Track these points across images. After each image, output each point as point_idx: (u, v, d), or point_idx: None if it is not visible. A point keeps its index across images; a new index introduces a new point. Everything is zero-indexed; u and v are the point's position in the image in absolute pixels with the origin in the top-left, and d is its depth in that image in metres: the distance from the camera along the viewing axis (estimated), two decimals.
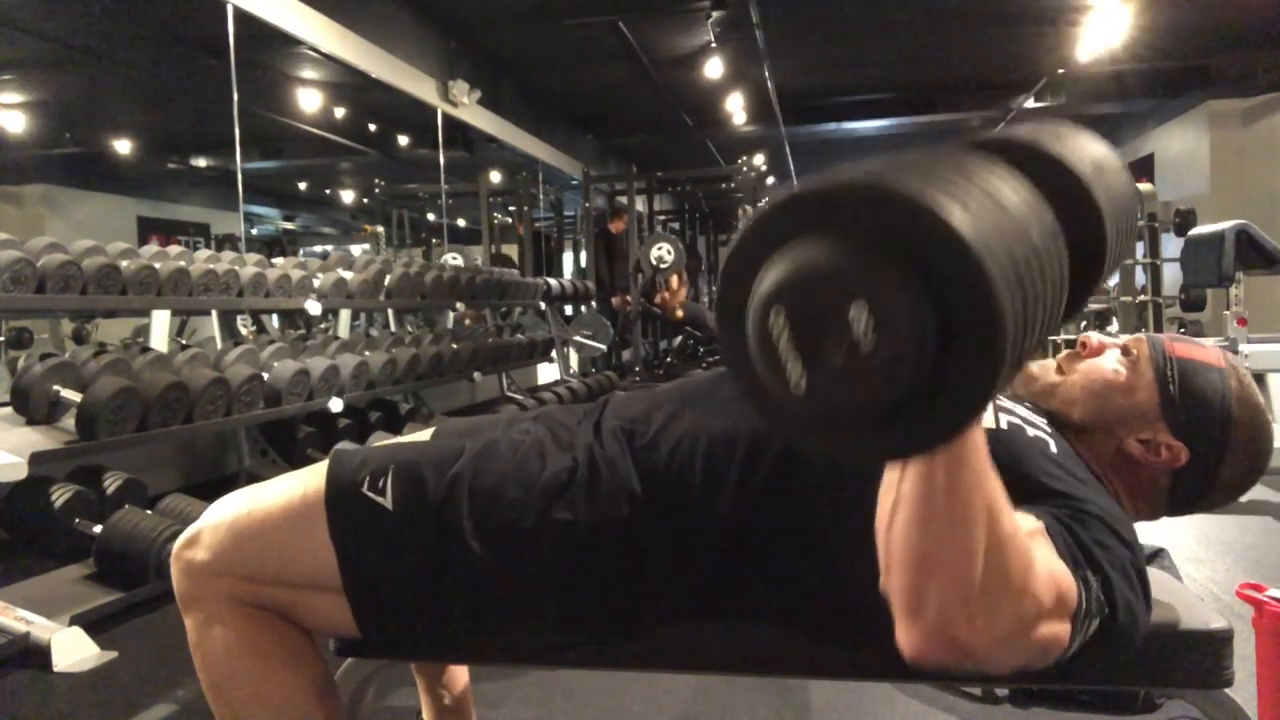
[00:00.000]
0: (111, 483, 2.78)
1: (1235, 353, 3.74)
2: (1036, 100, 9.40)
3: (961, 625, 0.60)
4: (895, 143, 11.93)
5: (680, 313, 8.45)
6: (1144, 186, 6.78)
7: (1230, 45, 8.22)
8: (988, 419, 0.90)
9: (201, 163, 10.48)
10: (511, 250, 9.25)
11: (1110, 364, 1.02)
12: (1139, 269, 6.67)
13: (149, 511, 2.63)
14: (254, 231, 13.37)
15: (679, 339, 9.43)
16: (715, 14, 6.60)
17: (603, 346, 7.11)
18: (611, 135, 11.49)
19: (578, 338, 6.94)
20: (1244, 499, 1.01)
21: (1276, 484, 3.50)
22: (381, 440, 3.27)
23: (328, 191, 13.58)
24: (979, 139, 0.62)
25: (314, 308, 3.79)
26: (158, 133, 9.95)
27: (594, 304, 7.39)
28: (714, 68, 7.50)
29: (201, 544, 0.98)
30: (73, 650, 2.13)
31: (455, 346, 4.41)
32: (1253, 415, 0.98)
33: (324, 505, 0.97)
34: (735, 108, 8.80)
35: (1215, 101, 9.18)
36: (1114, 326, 5.86)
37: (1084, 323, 6.54)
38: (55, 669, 2.08)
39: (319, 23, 5.31)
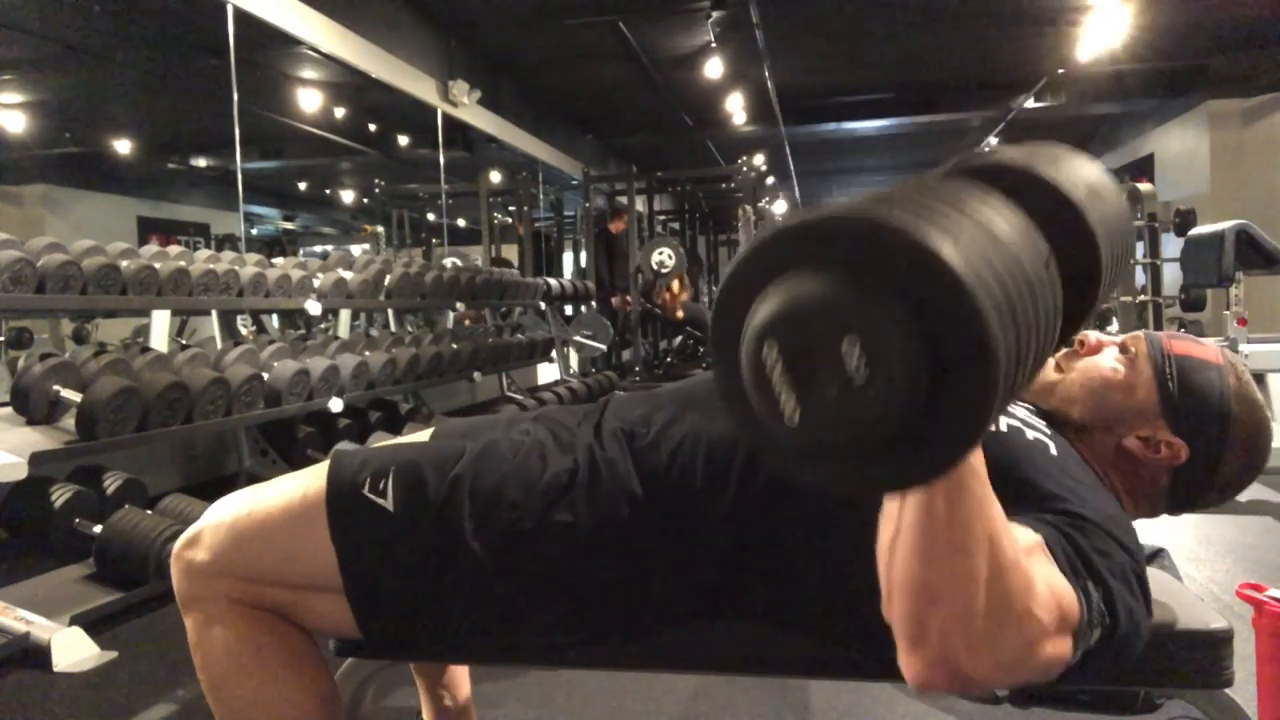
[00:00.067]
0: (111, 483, 2.78)
1: (1235, 352, 3.74)
2: (1036, 100, 9.40)
3: (964, 653, 0.60)
4: (895, 143, 11.94)
5: (680, 313, 8.45)
6: (1144, 186, 6.77)
7: (1230, 45, 8.22)
8: None
9: (201, 163, 10.48)
10: (511, 250, 9.25)
11: (1109, 362, 1.02)
12: (1139, 269, 6.67)
13: (149, 511, 2.62)
14: (254, 231, 13.37)
15: (679, 339, 9.43)
16: (715, 14, 6.60)
17: (603, 346, 7.11)
18: (611, 135, 11.49)
19: (578, 338, 6.94)
20: (1244, 499, 1.01)
21: (1276, 484, 3.50)
22: (381, 440, 3.27)
23: (328, 191, 13.58)
24: (972, 163, 0.62)
25: (314, 308, 3.79)
26: (158, 133, 9.95)
27: (594, 304, 7.39)
28: (714, 68, 7.50)
29: (202, 544, 0.98)
30: (73, 650, 2.13)
31: (455, 346, 4.41)
32: (1251, 412, 0.98)
33: (325, 506, 0.97)
34: (735, 108, 8.80)
35: (1215, 101, 9.17)
36: (1114, 326, 5.85)
37: None
38: (55, 669, 2.08)
39: (319, 23, 5.31)
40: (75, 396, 2.51)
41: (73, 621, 2.21)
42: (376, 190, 9.01)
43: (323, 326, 5.64)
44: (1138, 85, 9.14)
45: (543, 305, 6.30)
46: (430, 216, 10.56)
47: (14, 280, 2.50)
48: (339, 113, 8.47)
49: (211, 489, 3.01)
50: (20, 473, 2.26)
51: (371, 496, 0.97)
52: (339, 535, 0.96)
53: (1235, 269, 4.17)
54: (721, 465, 0.94)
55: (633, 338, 7.81)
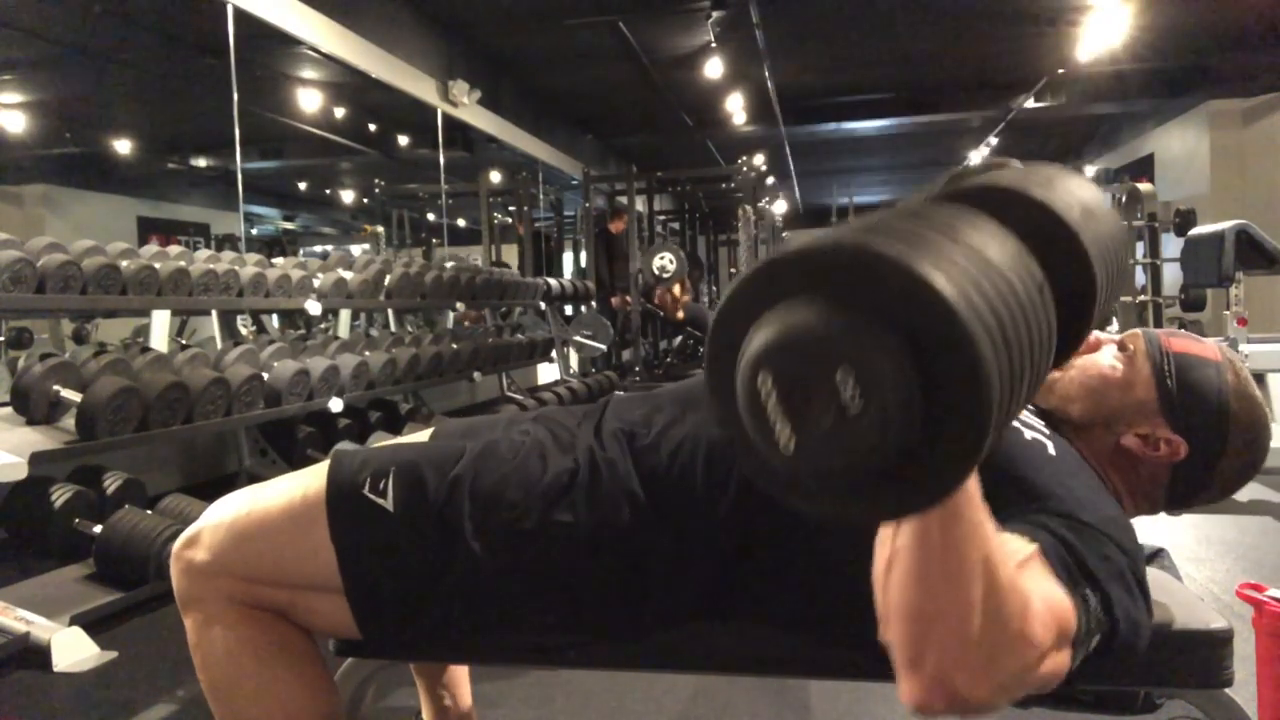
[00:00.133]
0: (111, 483, 2.78)
1: (1235, 352, 3.74)
2: (1036, 100, 9.40)
3: (961, 677, 0.60)
4: (895, 143, 11.94)
5: (681, 314, 8.45)
6: (1144, 186, 6.78)
7: (1230, 45, 8.22)
8: None
9: (201, 163, 10.48)
10: (511, 250, 9.25)
11: (1107, 359, 1.02)
12: (1139, 269, 6.67)
13: (149, 511, 2.63)
14: (254, 231, 13.37)
15: (679, 339, 9.43)
16: (715, 14, 6.60)
17: (603, 346, 7.11)
18: (611, 135, 11.49)
19: (578, 338, 6.94)
20: (1244, 499, 1.02)
21: (1276, 484, 3.50)
22: (381, 440, 3.27)
23: (328, 191, 13.58)
24: (965, 185, 0.62)
25: (314, 308, 3.79)
26: (158, 133, 9.95)
27: (594, 304, 7.39)
28: (714, 68, 7.50)
29: (201, 544, 0.98)
30: (73, 650, 2.13)
31: (455, 346, 4.41)
32: (1250, 409, 0.97)
33: (325, 506, 0.97)
34: (735, 108, 8.80)
35: (1215, 101, 9.18)
36: (1114, 326, 5.86)
37: None
38: (55, 669, 2.08)
39: (319, 23, 5.31)
40: (75, 396, 2.51)
41: (73, 621, 2.21)
42: (376, 190, 9.00)
43: (323, 326, 5.64)
44: (1138, 85, 9.14)
45: (543, 305, 6.30)
46: (430, 216, 10.56)
47: (14, 280, 2.50)
48: (339, 113, 8.47)
49: (211, 489, 3.01)
50: (20, 473, 2.26)
51: (371, 496, 0.97)
52: (339, 535, 0.96)
53: (1235, 269, 4.17)
54: (721, 466, 0.94)
55: (632, 337, 7.81)
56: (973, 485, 0.58)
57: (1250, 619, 1.22)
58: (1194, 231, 4.70)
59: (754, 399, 0.47)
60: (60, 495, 2.55)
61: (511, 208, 9.43)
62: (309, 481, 1.00)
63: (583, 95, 9.55)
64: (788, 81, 8.70)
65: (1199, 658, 0.91)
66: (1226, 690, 0.91)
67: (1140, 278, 6.71)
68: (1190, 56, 8.58)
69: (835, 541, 0.88)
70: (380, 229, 10.08)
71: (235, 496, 1.03)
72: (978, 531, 0.59)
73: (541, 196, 9.76)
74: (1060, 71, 8.61)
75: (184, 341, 5.66)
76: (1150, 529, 1.10)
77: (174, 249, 3.51)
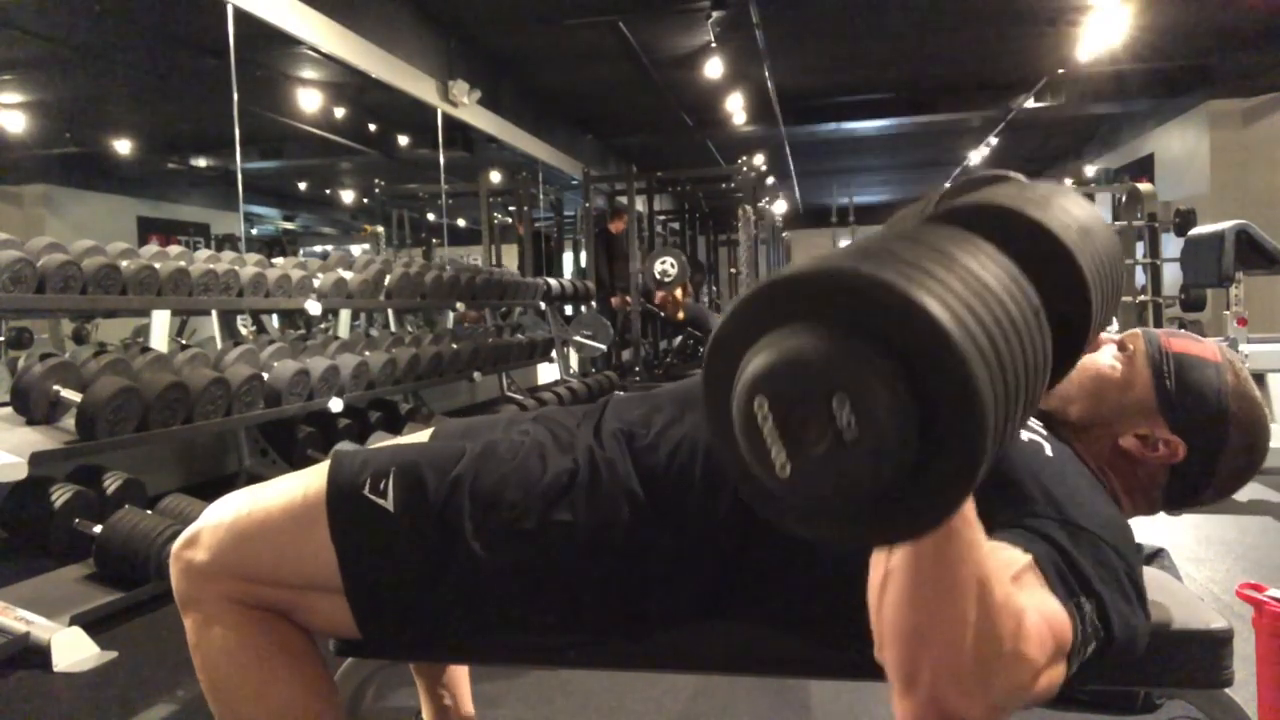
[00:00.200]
0: (111, 483, 2.78)
1: (1235, 352, 3.74)
2: (1036, 100, 9.40)
3: (955, 696, 0.60)
4: (895, 143, 11.94)
5: (681, 314, 8.45)
6: (1144, 186, 6.79)
7: (1230, 45, 8.22)
8: None
9: (201, 163, 10.49)
10: (511, 250, 9.25)
11: (1106, 359, 1.02)
12: (1139, 269, 6.67)
13: (149, 511, 2.63)
14: (254, 231, 13.37)
15: (679, 339, 9.43)
16: (715, 14, 6.60)
17: (603, 346, 7.11)
18: (611, 135, 11.49)
19: (578, 338, 6.94)
20: (1244, 499, 1.02)
21: (1276, 484, 3.50)
22: (381, 440, 3.27)
23: (328, 191, 13.58)
24: (963, 204, 0.62)
25: (314, 308, 3.79)
26: (158, 133, 9.95)
27: (594, 304, 7.39)
28: (714, 68, 7.50)
29: (201, 544, 0.98)
30: (73, 650, 2.13)
31: (455, 346, 4.41)
32: (1249, 409, 0.97)
33: (325, 506, 0.97)
34: (735, 108, 8.80)
35: (1215, 101, 9.18)
36: (1114, 326, 5.86)
37: None
38: (55, 669, 2.08)
39: (319, 23, 5.31)
40: (75, 396, 2.51)
41: (73, 621, 2.21)
42: (376, 190, 9.00)
43: (323, 326, 5.64)
44: (1138, 85, 9.14)
45: (543, 305, 6.30)
46: (430, 216, 10.56)
47: (14, 280, 2.50)
48: (339, 113, 8.47)
49: (211, 489, 3.01)
50: (20, 473, 2.26)
51: (372, 497, 0.97)
52: (339, 535, 0.96)
53: (1235, 269, 4.17)
54: (720, 468, 0.94)
55: (632, 337, 7.82)
56: (969, 509, 0.58)
57: (1250, 619, 1.22)
58: (1194, 231, 4.70)
59: (750, 422, 0.47)
60: (60, 495, 2.55)
61: (511, 208, 9.43)
62: (309, 482, 1.00)
63: (583, 95, 9.55)
64: (788, 81, 8.70)
65: (1199, 658, 0.91)
66: (1226, 690, 0.91)
67: (1140, 278, 6.71)
68: (1190, 56, 8.58)
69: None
70: (380, 229, 10.08)
71: (235, 496, 1.03)
72: (972, 551, 0.59)
73: (541, 196, 9.76)
74: (1060, 71, 8.61)
75: (184, 341, 5.66)
76: (1150, 529, 1.10)
77: (174, 249, 3.51)
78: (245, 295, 3.37)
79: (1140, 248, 6.65)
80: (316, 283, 3.77)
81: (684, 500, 0.95)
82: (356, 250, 10.43)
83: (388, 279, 4.27)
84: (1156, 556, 1.13)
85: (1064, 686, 0.69)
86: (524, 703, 1.90)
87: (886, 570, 0.61)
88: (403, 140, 9.29)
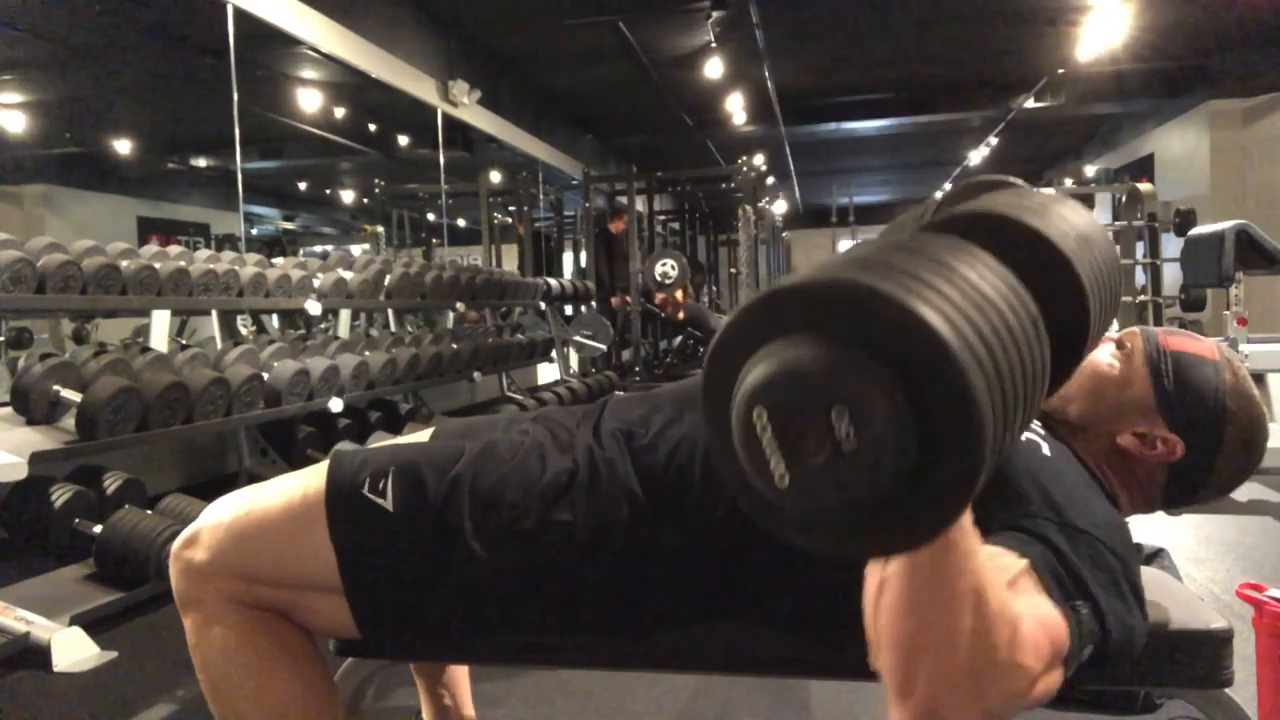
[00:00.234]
0: (111, 483, 2.78)
1: (1235, 352, 3.74)
2: (1036, 100, 9.40)
3: (950, 705, 0.60)
4: (895, 143, 11.93)
5: (681, 314, 8.45)
6: (1144, 186, 6.79)
7: (1230, 45, 8.22)
8: None
9: (201, 163, 10.48)
10: (511, 250, 9.25)
11: (1104, 357, 1.02)
12: (1139, 269, 6.67)
13: (149, 511, 2.62)
14: (254, 231, 13.36)
15: (679, 339, 9.43)
16: (715, 14, 6.60)
17: (603, 346, 7.11)
18: (611, 135, 11.49)
19: (578, 338, 6.94)
20: (1244, 499, 1.02)
21: (1276, 484, 3.49)
22: (381, 440, 3.27)
23: (328, 191, 13.58)
24: (963, 212, 0.62)
25: (314, 308, 3.79)
26: (158, 133, 9.95)
27: (594, 304, 7.39)
28: (714, 68, 7.50)
29: (200, 544, 0.98)
30: (73, 650, 2.13)
31: (455, 346, 4.41)
32: (1248, 407, 0.97)
33: (324, 506, 0.97)
34: (735, 108, 8.80)
35: (1215, 101, 9.17)
36: (1113, 326, 5.86)
37: None
38: (55, 669, 2.08)
39: (319, 23, 5.31)
40: (75, 396, 2.51)
41: (73, 621, 2.21)
42: (376, 190, 9.00)
43: (323, 326, 5.64)
44: (1138, 85, 9.14)
45: (543, 305, 6.30)
46: (430, 216, 10.55)
47: (14, 280, 2.50)
48: (339, 113, 8.47)
49: (211, 489, 3.00)
50: (20, 473, 2.26)
51: (371, 496, 0.97)
52: (338, 535, 0.96)
53: (1235, 269, 4.17)
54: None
55: (632, 337, 7.81)
56: (965, 519, 0.58)
57: (1250, 619, 1.22)
58: (1194, 231, 4.70)
59: (749, 433, 0.47)
60: (60, 495, 2.55)
61: (511, 208, 9.42)
62: (309, 481, 1.00)
63: (583, 95, 9.55)
64: (788, 81, 8.70)
65: (1199, 658, 0.91)
66: (1226, 690, 0.91)
67: (1140, 278, 6.71)
68: (1190, 56, 8.57)
69: None
70: (380, 229, 10.08)
71: (234, 496, 1.03)
72: (969, 560, 0.59)
73: (541, 196, 9.76)
74: (1060, 71, 8.61)
75: (184, 341, 5.66)
76: (1150, 529, 1.10)
77: (174, 249, 3.51)
78: (245, 295, 3.36)
79: (1140, 248, 6.65)
80: (316, 283, 3.77)
81: (683, 500, 0.95)
82: (356, 250, 10.44)
83: (388, 279, 4.27)
84: (1156, 556, 1.13)
85: (1062, 688, 0.69)
86: (524, 703, 1.90)
87: (883, 578, 0.61)
88: (403, 140, 9.29)
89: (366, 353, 3.72)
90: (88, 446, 2.46)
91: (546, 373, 6.55)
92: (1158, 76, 9.03)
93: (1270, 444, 1.00)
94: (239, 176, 5.58)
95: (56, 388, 2.57)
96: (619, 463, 0.98)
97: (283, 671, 0.98)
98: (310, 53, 5.71)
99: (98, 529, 2.49)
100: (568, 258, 10.62)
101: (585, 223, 8.50)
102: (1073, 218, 0.65)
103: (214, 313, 3.58)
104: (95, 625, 2.27)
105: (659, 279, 7.65)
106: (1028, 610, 0.66)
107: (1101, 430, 0.99)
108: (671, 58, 7.94)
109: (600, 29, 7.02)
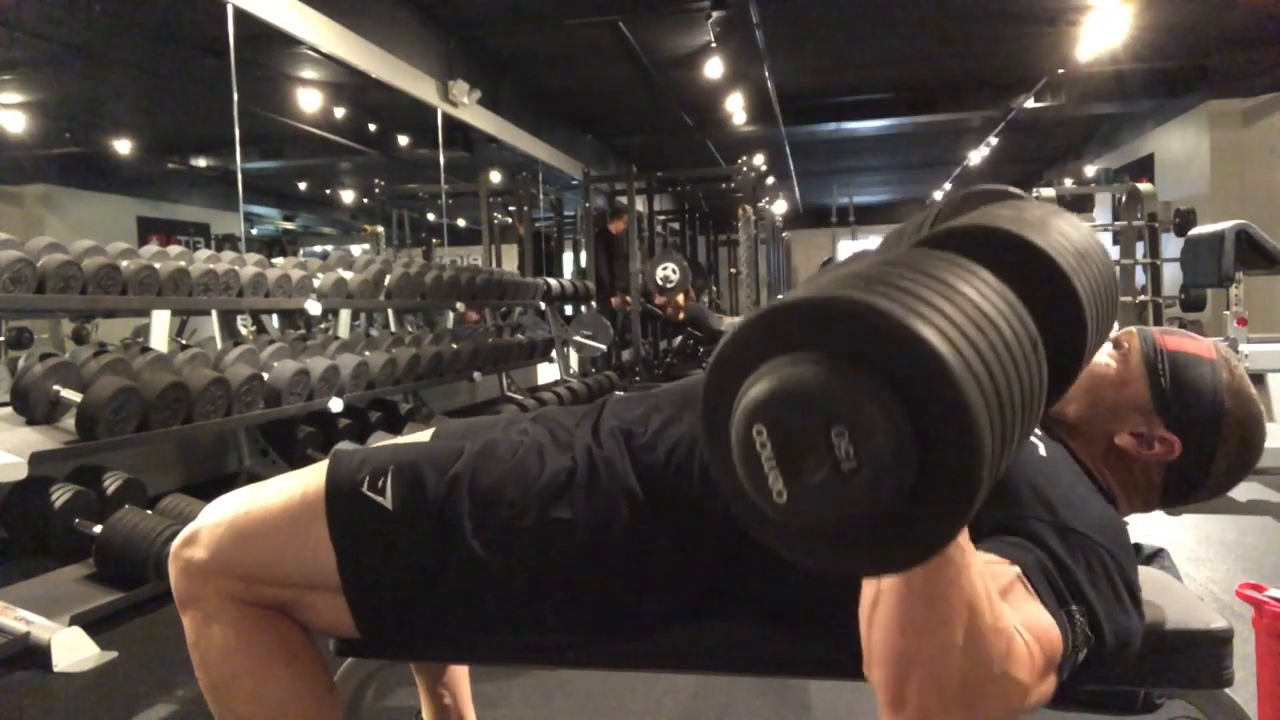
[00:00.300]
0: (111, 483, 2.78)
1: (1235, 352, 3.74)
2: (1036, 100, 9.40)
3: (942, 717, 0.60)
4: (895, 143, 11.93)
5: (681, 314, 8.45)
6: (1144, 186, 6.78)
7: (1230, 45, 8.22)
8: None
9: (201, 163, 10.49)
10: (511, 250, 9.25)
11: (1101, 357, 1.02)
12: (1139, 269, 6.67)
13: (149, 511, 2.62)
14: (254, 231, 13.37)
15: (679, 339, 9.43)
16: (715, 14, 6.60)
17: (603, 346, 7.11)
18: (611, 135, 11.49)
19: (578, 338, 6.94)
20: (1244, 499, 1.02)
21: (1276, 484, 3.50)
22: (381, 440, 3.27)
23: (328, 191, 13.58)
24: (962, 225, 0.63)
25: (314, 308, 3.79)
26: (158, 133, 9.95)
27: (594, 304, 7.39)
28: (714, 68, 7.50)
29: (200, 543, 0.98)
30: (73, 650, 2.13)
31: (455, 346, 4.41)
32: (1245, 406, 0.97)
33: (324, 505, 0.97)
34: (735, 108, 8.80)
35: (1215, 101, 9.17)
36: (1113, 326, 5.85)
37: None
38: (55, 669, 2.08)
39: (319, 23, 5.31)
40: (75, 396, 2.51)
41: (73, 621, 2.21)
42: (376, 190, 9.00)
43: (323, 326, 5.64)
44: (1138, 85, 9.14)
45: (543, 305, 6.30)
46: (430, 216, 10.56)
47: (14, 280, 2.50)
48: (339, 113, 8.47)
49: (211, 489, 3.00)
50: (20, 473, 2.26)
51: (371, 495, 0.97)
52: (338, 534, 0.96)
53: (1235, 269, 4.17)
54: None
55: (632, 337, 7.81)
56: (961, 535, 0.58)
57: (1250, 619, 1.22)
58: (1194, 231, 4.70)
59: (749, 449, 0.47)
60: (60, 495, 2.55)
61: (511, 208, 9.43)
62: (308, 480, 1.00)
63: (583, 95, 9.55)
64: (788, 81, 8.70)
65: (1199, 658, 0.91)
66: (1226, 690, 0.91)
67: (1140, 278, 6.71)
68: (1190, 56, 8.58)
69: None
70: (380, 229, 10.08)
71: (234, 495, 1.03)
72: (963, 575, 0.59)
73: (541, 196, 9.76)
74: (1060, 71, 8.61)
75: (184, 341, 5.66)
76: (1150, 529, 1.10)
77: (174, 249, 3.51)
78: (245, 295, 3.37)
79: (1140, 248, 6.65)
80: (316, 283, 3.77)
81: (682, 499, 0.95)
82: (356, 250, 10.43)
83: (388, 279, 4.27)
84: (1156, 556, 1.13)
85: (1061, 689, 0.69)
86: (524, 703, 1.90)
87: (878, 590, 0.61)
88: (403, 140, 9.29)
89: (366, 353, 3.72)
90: (88, 446, 2.46)
91: (546, 373, 6.55)
92: (1157, 76, 9.03)
93: (1269, 444, 1.00)
94: (239, 176, 5.58)
95: (56, 388, 2.57)
96: (618, 461, 0.98)
97: (282, 670, 0.98)
98: (310, 53, 5.71)
99: (98, 529, 2.49)
100: (568, 258, 10.62)
101: (585, 223, 8.50)
102: (1071, 232, 0.65)
103: (214, 313, 3.58)
104: (95, 625, 2.27)
105: (660, 283, 7.65)
106: (1021, 621, 0.66)
107: (1099, 430, 0.99)
108: (671, 58, 7.94)
109: (600, 29, 7.02)
